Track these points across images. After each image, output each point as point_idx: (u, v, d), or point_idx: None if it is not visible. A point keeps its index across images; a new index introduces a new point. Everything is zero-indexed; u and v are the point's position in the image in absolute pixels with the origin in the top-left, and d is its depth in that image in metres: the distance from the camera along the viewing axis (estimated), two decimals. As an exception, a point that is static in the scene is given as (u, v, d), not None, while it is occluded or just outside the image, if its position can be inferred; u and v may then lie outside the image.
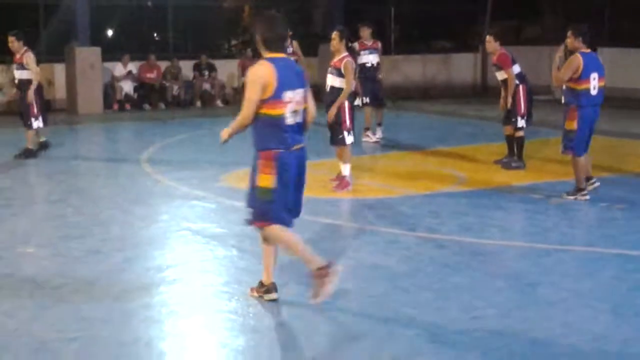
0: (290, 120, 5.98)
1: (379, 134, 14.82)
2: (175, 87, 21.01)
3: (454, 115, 19.36)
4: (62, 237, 8.45)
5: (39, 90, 12.98)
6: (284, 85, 5.91)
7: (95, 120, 18.48)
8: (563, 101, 9.93)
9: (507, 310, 6.22)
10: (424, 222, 9.00)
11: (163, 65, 21.01)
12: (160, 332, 5.88)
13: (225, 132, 6.16)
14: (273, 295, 6.31)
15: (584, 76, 9.53)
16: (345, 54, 10.49)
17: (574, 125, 9.68)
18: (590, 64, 9.58)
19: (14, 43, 12.82)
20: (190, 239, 8.35)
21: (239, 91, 21.57)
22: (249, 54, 21.96)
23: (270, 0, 25.54)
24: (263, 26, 6.09)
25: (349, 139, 10.39)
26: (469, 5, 25.48)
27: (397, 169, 12.23)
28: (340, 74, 10.36)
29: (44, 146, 13.22)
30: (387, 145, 14.54)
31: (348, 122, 10.38)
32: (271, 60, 5.98)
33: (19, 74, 12.98)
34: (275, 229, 6.10)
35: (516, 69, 11.75)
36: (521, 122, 11.75)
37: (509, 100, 11.70)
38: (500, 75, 11.83)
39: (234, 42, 28.50)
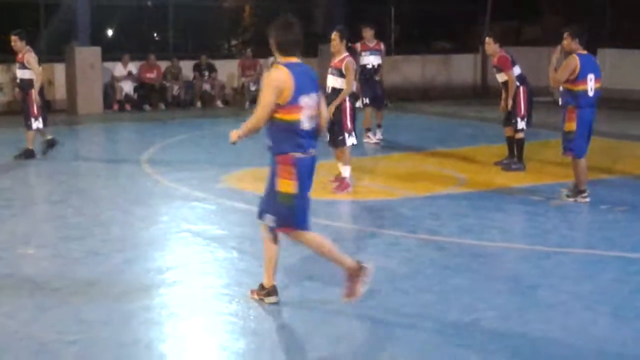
0: (306, 125, 5.99)
1: (378, 135, 14.82)
2: (176, 88, 21.00)
3: (454, 116, 19.36)
4: (62, 238, 8.45)
5: (40, 90, 12.96)
6: (300, 90, 5.91)
7: (95, 121, 18.47)
8: (560, 103, 9.94)
9: (507, 313, 6.22)
10: (424, 223, 9.00)
11: (163, 65, 21.00)
12: (160, 334, 5.88)
13: (235, 134, 6.13)
14: (273, 299, 6.31)
15: (581, 77, 9.55)
16: (346, 54, 10.48)
17: (573, 126, 9.68)
18: (587, 65, 9.60)
19: (16, 42, 12.81)
20: (190, 240, 8.34)
21: (239, 91, 21.60)
22: (249, 54, 21.98)
23: (271, 0, 25.54)
24: (278, 30, 6.08)
25: (349, 140, 10.38)
26: (469, 6, 25.48)
27: (397, 171, 12.23)
28: (341, 75, 10.35)
29: (51, 144, 13.19)
30: (387, 146, 14.53)
31: (349, 123, 10.37)
32: (287, 65, 5.97)
33: (21, 74, 12.97)
34: (305, 233, 6.14)
35: (516, 70, 11.74)
36: (521, 124, 11.75)
37: (510, 102, 11.70)
38: (501, 77, 11.83)
39: (234, 42, 28.51)
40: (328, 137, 10.18)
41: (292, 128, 5.94)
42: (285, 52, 6.05)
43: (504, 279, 7.14)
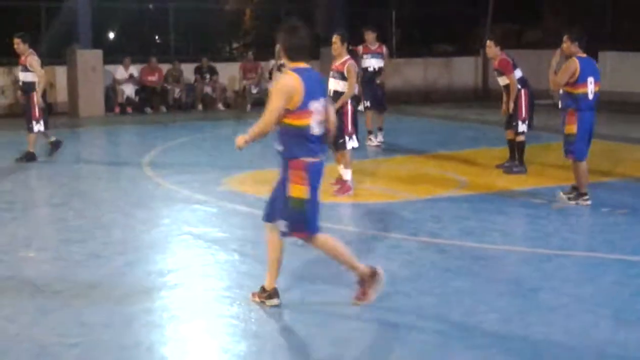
0: (316, 130, 6.01)
1: (379, 138, 14.82)
2: (177, 90, 21.02)
3: (456, 119, 19.37)
4: (64, 241, 8.46)
5: (42, 93, 12.97)
6: (310, 95, 5.93)
7: (97, 123, 18.49)
8: (560, 105, 9.95)
9: (509, 315, 6.22)
10: (426, 226, 9.00)
11: (164, 68, 21.02)
12: (161, 336, 5.88)
13: (241, 139, 6.11)
14: (275, 301, 6.31)
15: (581, 80, 9.57)
16: (347, 57, 10.50)
17: (573, 129, 9.69)
18: (587, 68, 9.62)
19: (19, 45, 12.83)
20: (191, 243, 8.35)
21: (240, 94, 21.61)
22: (250, 57, 21.99)
23: (272, 3, 25.57)
24: (286, 36, 6.09)
25: (350, 143, 10.39)
26: (470, 9, 25.50)
27: (398, 173, 12.23)
28: (343, 78, 10.36)
29: (56, 145, 13.20)
30: (389, 149, 14.53)
31: (350, 126, 10.38)
32: (296, 70, 5.98)
33: (23, 77, 12.98)
34: (318, 237, 6.16)
35: (518, 73, 11.74)
36: (522, 127, 11.75)
37: (511, 104, 11.70)
38: (502, 81, 11.83)
39: (235, 45, 28.55)
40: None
41: (303, 133, 5.96)
42: (293, 57, 6.06)
43: (505, 281, 7.14)
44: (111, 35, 25.98)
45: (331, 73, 10.55)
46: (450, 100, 23.19)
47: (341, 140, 10.32)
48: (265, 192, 10.25)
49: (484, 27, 24.32)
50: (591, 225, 9.36)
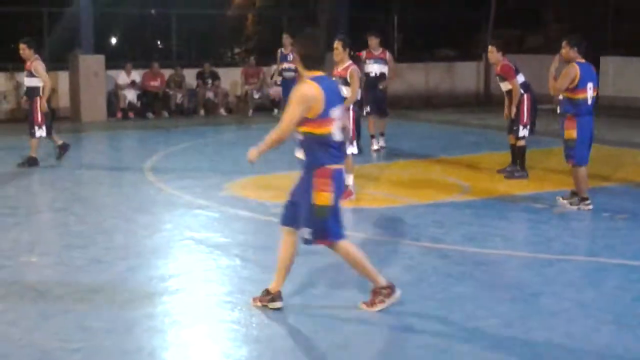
0: (337, 137, 6.07)
1: (381, 143, 14.83)
2: (179, 96, 21.04)
3: (457, 124, 19.38)
4: (66, 246, 8.47)
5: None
6: (329, 103, 5.98)
7: (99, 129, 18.51)
8: (559, 111, 9.97)
9: (510, 320, 6.22)
10: (428, 231, 9.00)
11: (166, 73, 21.04)
12: (163, 341, 5.89)
13: (254, 153, 6.12)
14: (278, 304, 6.33)
15: (581, 85, 9.61)
16: (350, 62, 10.51)
17: (573, 134, 9.72)
18: (586, 73, 9.66)
19: (25, 50, 12.85)
20: (193, 248, 8.35)
21: (242, 99, 21.63)
22: (252, 62, 22.01)
23: (273, 8, 25.61)
24: (303, 45, 6.14)
25: (350, 149, 10.38)
26: (472, 14, 25.51)
27: (400, 178, 12.24)
28: (346, 83, 10.37)
29: (64, 148, 13.22)
30: (391, 154, 14.54)
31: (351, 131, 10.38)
32: (315, 79, 6.01)
33: (28, 82, 13.00)
34: (344, 246, 6.22)
35: (520, 78, 11.75)
36: (523, 132, 11.75)
37: (513, 109, 11.70)
38: (504, 86, 11.84)
39: (237, 50, 28.59)
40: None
41: (325, 141, 6.00)
42: (311, 65, 6.10)
43: (506, 286, 7.14)
44: (113, 40, 26.04)
45: (333, 79, 10.54)
46: (452, 105, 23.20)
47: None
48: (267, 197, 10.39)
49: (486, 32, 24.32)
50: (592, 230, 9.37)
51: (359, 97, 10.65)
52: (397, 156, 14.36)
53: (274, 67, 19.99)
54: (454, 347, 5.73)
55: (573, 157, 9.74)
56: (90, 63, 19.37)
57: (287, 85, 18.21)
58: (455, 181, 11.86)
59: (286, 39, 18.23)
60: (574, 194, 9.95)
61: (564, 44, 9.78)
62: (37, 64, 12.79)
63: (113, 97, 20.27)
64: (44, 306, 6.53)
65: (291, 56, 18.00)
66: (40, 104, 12.76)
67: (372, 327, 6.11)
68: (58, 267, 7.68)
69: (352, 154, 10.47)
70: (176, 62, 21.84)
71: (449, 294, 6.84)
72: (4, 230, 9.12)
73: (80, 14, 19.45)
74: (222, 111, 21.26)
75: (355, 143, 10.47)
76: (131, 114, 20.26)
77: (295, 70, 17.87)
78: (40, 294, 6.81)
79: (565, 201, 9.96)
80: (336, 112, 6.04)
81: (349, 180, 10.46)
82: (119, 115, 20.10)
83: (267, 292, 6.39)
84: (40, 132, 12.86)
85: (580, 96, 9.61)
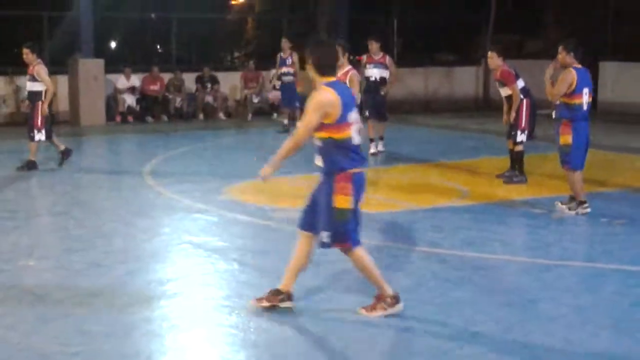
0: (357, 140, 6.11)
1: (380, 147, 14.85)
2: (178, 100, 21.04)
3: (456, 129, 19.39)
4: (65, 250, 8.48)
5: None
6: (346, 107, 6.03)
7: (98, 132, 18.52)
8: (554, 116, 9.99)
9: (509, 325, 6.23)
10: (426, 236, 9.01)
11: (166, 77, 21.03)
12: (161, 346, 5.89)
13: (267, 170, 6.19)
14: (289, 304, 6.37)
15: (578, 91, 9.64)
16: (349, 67, 10.53)
17: (568, 139, 9.74)
18: (583, 79, 9.69)
19: (28, 55, 12.86)
20: (191, 252, 8.36)
21: (242, 103, 21.64)
22: (251, 67, 22.01)
23: (273, 12, 25.62)
24: (318, 52, 6.18)
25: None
26: (472, 18, 25.52)
27: (399, 183, 12.25)
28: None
29: (66, 154, 13.23)
30: (390, 158, 14.55)
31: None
32: (331, 85, 6.07)
33: (30, 86, 13.01)
34: (359, 253, 6.25)
35: (520, 83, 11.76)
36: (521, 137, 11.75)
37: (513, 114, 11.70)
38: (504, 92, 11.84)
39: (236, 54, 28.59)
40: None
41: (345, 145, 6.05)
42: (325, 72, 6.14)
43: (505, 291, 7.15)
44: (113, 44, 26.04)
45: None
46: (451, 110, 23.20)
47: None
48: (265, 202, 10.40)
49: (486, 36, 24.32)
50: (590, 236, 9.38)
51: (358, 102, 10.65)
52: (396, 160, 14.37)
53: (273, 71, 20.02)
54: (453, 351, 5.74)
55: (569, 162, 9.76)
56: (90, 67, 19.37)
57: (286, 89, 18.26)
58: (454, 186, 11.88)
59: (285, 43, 18.25)
60: (572, 198, 9.97)
61: (560, 49, 9.82)
62: (39, 69, 12.80)
63: (112, 101, 20.27)
64: (42, 310, 6.53)
65: (290, 60, 18.01)
66: (42, 108, 12.77)
67: (371, 332, 6.11)
68: (57, 270, 7.69)
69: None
70: (176, 66, 21.81)
71: (447, 299, 6.85)
72: (3, 233, 9.12)
73: (80, 18, 19.47)
74: (222, 115, 21.25)
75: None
76: (130, 118, 20.25)
77: (294, 75, 17.92)
78: (39, 298, 6.82)
79: (563, 206, 9.97)
80: (353, 115, 6.10)
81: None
82: (118, 119, 20.10)
83: (277, 291, 6.39)
84: (40, 136, 12.86)
85: (577, 101, 9.64)
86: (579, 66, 9.73)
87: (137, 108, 20.56)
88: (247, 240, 8.85)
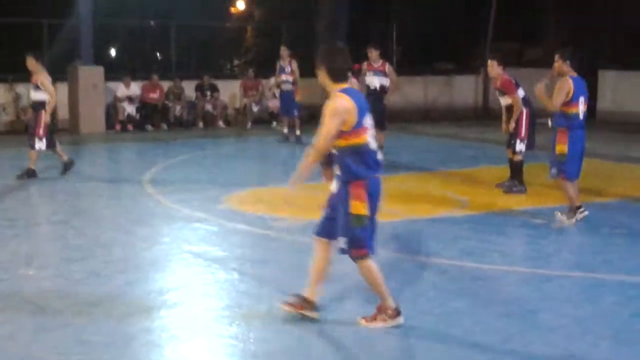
0: (373, 145, 6.15)
1: (379, 156, 14.80)
2: (178, 108, 21.06)
3: (456, 137, 19.40)
4: (64, 259, 8.46)
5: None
6: (362, 112, 6.05)
7: (98, 141, 18.52)
8: (550, 125, 10.00)
9: (508, 336, 6.22)
10: (426, 246, 9.01)
11: (166, 85, 21.05)
12: (160, 356, 5.88)
13: (294, 182, 6.17)
14: (315, 314, 6.38)
15: (574, 99, 9.67)
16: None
17: (564, 149, 9.75)
18: (579, 87, 9.72)
19: (32, 63, 12.89)
20: (191, 261, 8.36)
21: (241, 112, 21.65)
22: (251, 75, 22.03)
23: (272, 21, 25.63)
24: (330, 58, 6.19)
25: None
26: (471, 27, 25.54)
27: (399, 192, 12.20)
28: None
29: (69, 165, 13.23)
30: (389, 167, 14.42)
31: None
32: (345, 91, 6.09)
33: (34, 95, 13.03)
34: (370, 263, 6.26)
35: (520, 92, 11.76)
36: (520, 146, 11.74)
37: (512, 124, 11.70)
38: (504, 101, 11.84)
39: (236, 62, 28.65)
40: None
41: (362, 150, 6.08)
42: (338, 79, 6.16)
43: (504, 302, 7.14)
44: (113, 52, 26.08)
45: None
46: (450, 119, 23.23)
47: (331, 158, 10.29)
48: (265, 211, 10.40)
49: (485, 44, 24.34)
50: (590, 246, 9.36)
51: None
52: (396, 169, 14.33)
53: (273, 79, 20.03)
54: (451, 362, 5.74)
55: (564, 171, 9.77)
56: (90, 75, 19.39)
57: (285, 97, 18.26)
58: (453, 195, 11.87)
59: (284, 51, 18.26)
60: (571, 209, 9.96)
61: (556, 57, 9.84)
62: (43, 77, 12.82)
63: (112, 109, 20.27)
64: (42, 319, 6.52)
65: (289, 68, 18.02)
66: (39, 116, 12.77)
67: (371, 342, 6.10)
68: (56, 280, 7.67)
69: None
70: (175, 74, 21.84)
71: (446, 309, 6.84)
72: (2, 242, 9.11)
73: (80, 26, 19.49)
74: (221, 123, 21.27)
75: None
76: (130, 126, 20.26)
77: (293, 83, 17.92)
78: (38, 307, 6.80)
79: (563, 216, 9.97)
80: (368, 120, 6.12)
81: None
82: (118, 127, 20.11)
83: (304, 300, 6.38)
84: (40, 145, 12.86)
85: (574, 110, 9.66)
86: (575, 75, 9.75)
87: (137, 116, 20.57)
88: (247, 249, 8.85)
